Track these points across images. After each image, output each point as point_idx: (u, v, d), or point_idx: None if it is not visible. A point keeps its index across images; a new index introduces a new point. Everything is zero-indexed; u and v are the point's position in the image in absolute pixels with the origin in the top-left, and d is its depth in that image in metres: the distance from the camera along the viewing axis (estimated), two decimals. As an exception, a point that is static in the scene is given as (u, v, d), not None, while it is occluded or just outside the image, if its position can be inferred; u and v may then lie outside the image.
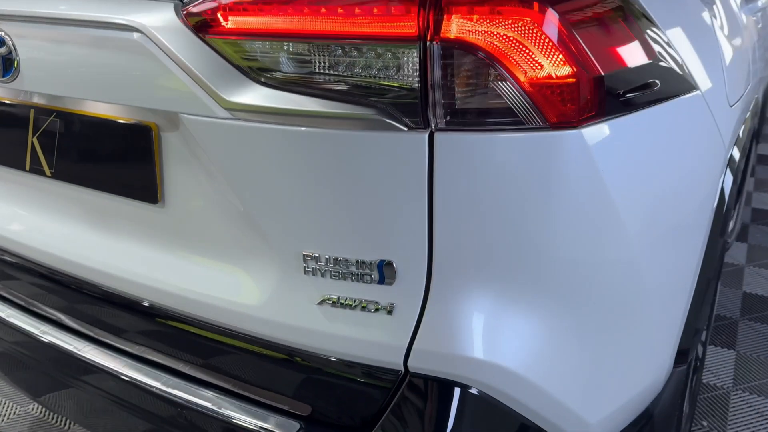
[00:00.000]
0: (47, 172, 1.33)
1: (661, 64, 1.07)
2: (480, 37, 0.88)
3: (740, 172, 1.61)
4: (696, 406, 2.15)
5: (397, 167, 0.95)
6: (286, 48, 0.97)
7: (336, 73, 0.95)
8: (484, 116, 0.91)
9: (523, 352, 1.01)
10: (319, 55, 0.95)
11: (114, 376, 1.27)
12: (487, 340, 1.00)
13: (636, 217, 1.07)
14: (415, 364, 1.01)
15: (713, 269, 1.50)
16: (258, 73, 0.99)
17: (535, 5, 0.87)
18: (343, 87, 0.95)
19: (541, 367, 1.02)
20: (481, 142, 0.92)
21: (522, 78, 0.89)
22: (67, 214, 1.37)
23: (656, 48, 1.06)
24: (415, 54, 0.89)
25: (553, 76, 0.89)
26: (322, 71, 0.95)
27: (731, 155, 1.48)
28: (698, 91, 1.19)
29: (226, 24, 0.99)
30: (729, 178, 1.45)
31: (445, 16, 0.88)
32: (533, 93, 0.89)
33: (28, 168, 1.36)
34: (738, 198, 2.19)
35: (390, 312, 1.02)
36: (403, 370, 1.02)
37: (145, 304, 1.24)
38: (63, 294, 1.38)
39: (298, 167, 1.00)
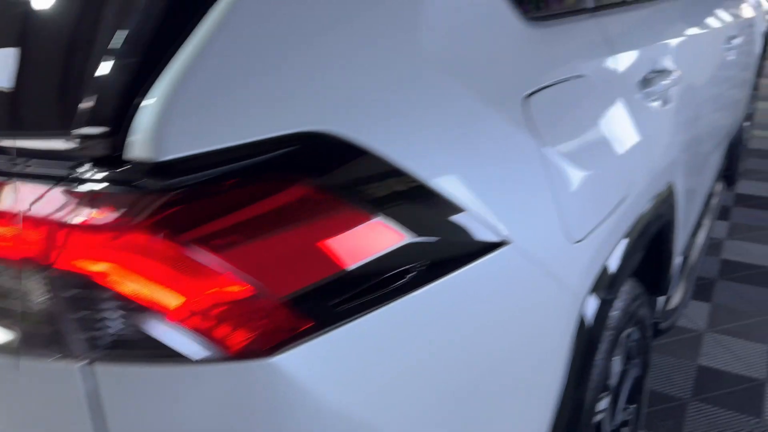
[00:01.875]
0: None
1: (423, 240, 0.84)
2: (101, 265, 0.69)
3: (627, 271, 1.41)
4: None
5: (60, 404, 0.76)
6: None
7: None
8: (145, 348, 0.71)
9: None
10: None
11: None
12: None
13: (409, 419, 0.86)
14: None
15: (591, 398, 1.32)
16: None
17: (166, 229, 0.67)
18: None
19: None
20: (150, 377, 0.72)
21: (171, 307, 0.69)
22: None
23: (422, 218, 0.85)
24: (43, 281, 0.70)
25: (209, 305, 0.69)
26: None
27: (599, 279, 1.27)
28: (508, 246, 0.97)
29: None
30: (593, 303, 1.25)
31: (64, 241, 0.69)
32: (192, 324, 0.69)
33: None
34: (667, 266, 1.94)
35: None
36: None
37: None
38: None
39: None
